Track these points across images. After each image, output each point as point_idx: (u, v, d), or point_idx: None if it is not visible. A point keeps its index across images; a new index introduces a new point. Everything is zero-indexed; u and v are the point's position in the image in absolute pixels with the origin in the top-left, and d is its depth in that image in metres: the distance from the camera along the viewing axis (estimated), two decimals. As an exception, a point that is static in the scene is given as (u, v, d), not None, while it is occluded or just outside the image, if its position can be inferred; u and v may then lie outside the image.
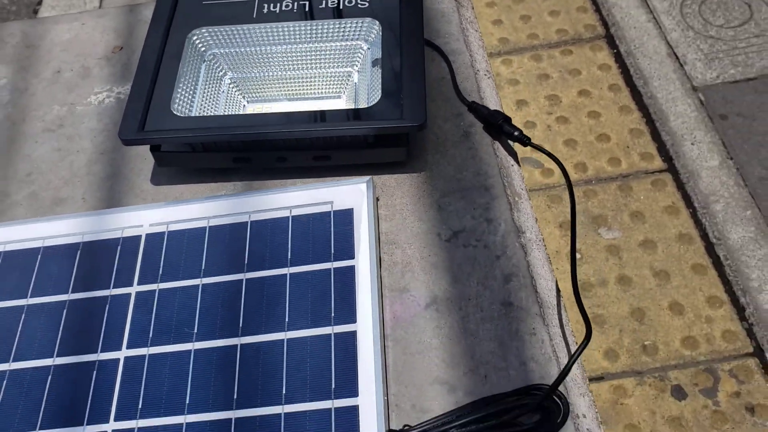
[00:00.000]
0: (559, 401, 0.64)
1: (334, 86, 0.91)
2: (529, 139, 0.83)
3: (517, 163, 0.86)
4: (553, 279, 0.76)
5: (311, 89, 0.91)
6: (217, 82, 0.89)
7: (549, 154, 0.82)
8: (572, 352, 0.69)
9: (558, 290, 0.75)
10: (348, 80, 0.90)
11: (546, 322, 0.71)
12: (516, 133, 0.83)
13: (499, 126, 0.84)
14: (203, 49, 0.88)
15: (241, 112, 0.90)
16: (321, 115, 0.78)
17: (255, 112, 0.88)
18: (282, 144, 0.80)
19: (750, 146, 1.64)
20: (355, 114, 0.78)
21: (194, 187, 0.85)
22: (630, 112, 1.69)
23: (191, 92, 0.84)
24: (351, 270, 0.72)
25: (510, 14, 1.87)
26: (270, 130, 0.76)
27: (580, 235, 1.49)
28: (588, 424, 0.65)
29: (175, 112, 0.80)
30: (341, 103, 0.91)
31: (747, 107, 1.57)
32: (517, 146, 0.86)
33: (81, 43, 1.02)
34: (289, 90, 0.91)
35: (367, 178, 0.78)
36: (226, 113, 0.87)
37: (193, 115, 0.83)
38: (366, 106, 0.81)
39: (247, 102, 0.92)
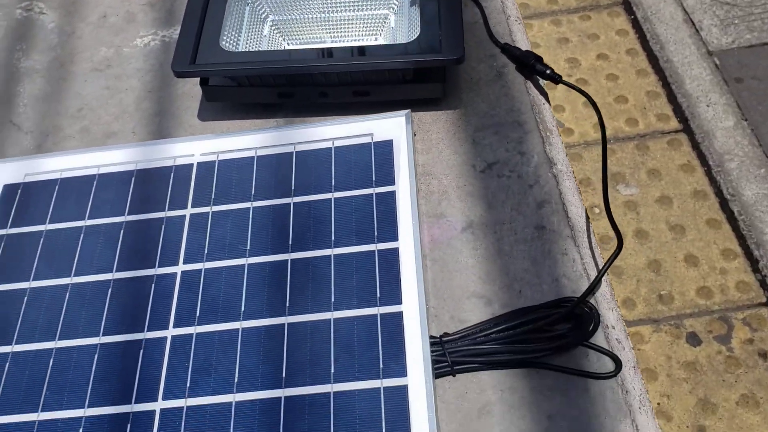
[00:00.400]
0: (589, 311, 0.68)
1: (372, 28, 0.95)
2: (560, 76, 0.87)
3: (548, 101, 0.90)
4: (583, 207, 0.80)
5: (349, 31, 0.95)
6: (260, 24, 0.93)
7: (580, 91, 0.86)
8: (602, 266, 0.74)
9: (587, 217, 0.79)
10: (384, 22, 0.94)
11: (577, 243, 0.75)
12: (548, 71, 0.87)
13: (531, 65, 0.88)
14: (247, -8, 0.93)
15: (281, 54, 0.94)
16: (361, 50, 0.82)
17: (298, 48, 0.92)
18: (323, 79, 0.84)
19: (765, 108, 1.68)
20: (394, 49, 0.82)
21: (240, 122, 0.89)
22: (647, 75, 1.72)
23: (237, 31, 0.89)
24: (392, 194, 0.76)
25: (529, -20, 1.87)
26: (313, 64, 0.80)
27: (599, 192, 1.53)
28: (617, 335, 0.70)
29: (223, 47, 0.84)
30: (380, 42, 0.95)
31: (762, 71, 1.60)
32: (548, 87, 0.90)
33: (125, -10, 1.06)
34: (328, 32, 0.95)
35: (406, 111, 0.83)
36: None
37: (240, 50, 0.87)
38: (405, 42, 0.85)
39: (288, 44, 0.96)
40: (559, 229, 0.76)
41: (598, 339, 0.69)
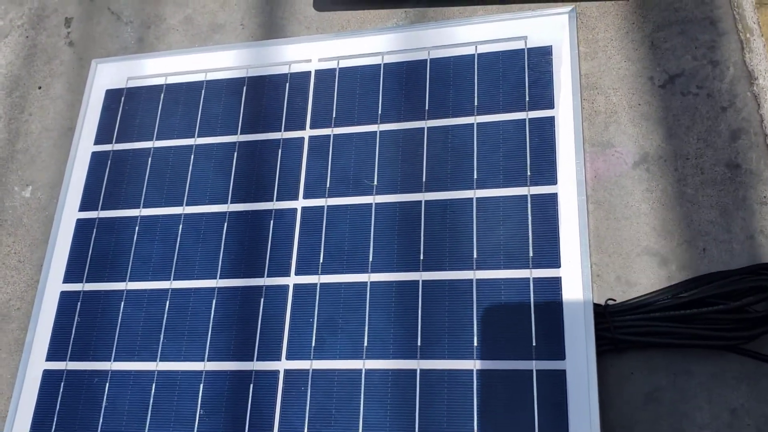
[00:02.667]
0: (798, 287, 0.55)
1: None
2: (774, -42, 0.67)
3: (750, -12, 0.71)
4: (790, 137, 0.64)
5: None
6: None
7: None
8: (810, 227, 0.59)
9: (796, 151, 0.63)
10: None
11: (782, 190, 0.60)
12: (758, -49, 0.67)
13: (734, -60, 0.68)
14: None
15: None
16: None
17: None
18: (468, -35, 0.68)
19: None
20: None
21: (362, 13, 0.75)
22: None
23: None
24: (550, 122, 0.63)
25: None
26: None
27: None
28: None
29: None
30: None
31: None
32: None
33: None
34: None
35: (570, 6, 0.66)
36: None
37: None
38: None
39: None
40: (757, 170, 0.61)
41: (804, 320, 0.56)
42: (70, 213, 0.70)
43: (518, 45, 0.66)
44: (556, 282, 0.57)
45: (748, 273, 0.57)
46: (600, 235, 0.61)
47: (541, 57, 0.65)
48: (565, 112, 0.62)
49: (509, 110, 0.64)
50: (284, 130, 0.69)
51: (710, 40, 0.66)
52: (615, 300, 0.58)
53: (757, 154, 0.62)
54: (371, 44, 0.70)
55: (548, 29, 0.66)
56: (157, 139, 0.71)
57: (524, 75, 0.65)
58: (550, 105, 0.63)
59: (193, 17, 0.80)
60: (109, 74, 0.76)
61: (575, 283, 0.57)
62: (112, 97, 0.75)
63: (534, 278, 0.58)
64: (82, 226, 0.69)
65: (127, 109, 0.74)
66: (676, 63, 0.66)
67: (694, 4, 0.68)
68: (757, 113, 0.63)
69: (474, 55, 0.67)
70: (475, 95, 0.65)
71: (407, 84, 0.67)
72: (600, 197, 0.63)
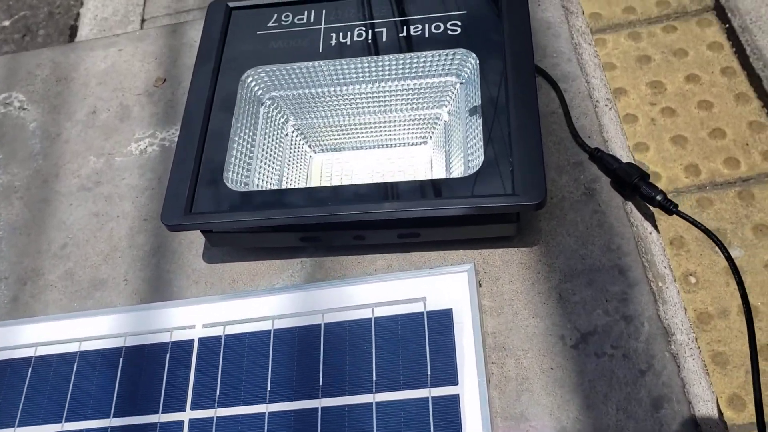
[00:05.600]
0: None
1: (419, 131, 0.74)
2: (675, 206, 0.65)
3: (656, 229, 0.68)
4: (714, 398, 0.59)
5: (391, 135, 0.75)
6: (277, 130, 0.74)
7: (705, 230, 0.64)
8: None
9: (723, 421, 0.58)
10: (435, 124, 0.73)
11: (714, 472, 0.54)
12: (658, 198, 0.65)
13: (634, 186, 0.66)
14: (260, 92, 0.73)
15: (306, 166, 0.75)
16: (408, 188, 0.62)
17: (323, 185, 0.72)
18: (359, 222, 0.64)
19: None
20: (450, 186, 0.61)
21: (254, 265, 0.70)
22: (748, 102, 1.43)
23: (248, 150, 0.69)
24: (455, 400, 0.56)
25: (602, -17, 1.59)
26: (343, 211, 0.60)
27: (695, 254, 1.27)
28: None
29: (228, 184, 0.64)
30: (428, 151, 0.74)
31: None
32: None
33: (119, 74, 0.88)
34: (364, 136, 0.75)
35: (468, 265, 0.62)
36: (287, 183, 0.72)
37: (250, 185, 0.67)
38: (463, 172, 0.64)
39: (314, 152, 0.76)
40: (687, 447, 0.55)
41: None
42: None
43: (417, 308, 0.61)
44: None
45: None
46: None
47: (441, 322, 0.60)
48: (470, 388, 0.56)
49: (411, 386, 0.58)
50: (162, 412, 0.61)
51: (621, 291, 0.63)
52: None
53: (683, 427, 0.56)
54: (261, 307, 0.64)
55: (447, 289, 0.61)
56: (20, 425, 0.62)
57: (424, 343, 0.59)
58: (455, 380, 0.57)
59: (74, 271, 0.73)
60: (-28, 345, 0.68)
61: None
62: (-27, 372, 0.66)
63: None
64: None
65: (-12, 387, 0.65)
66: (587, 319, 0.62)
67: (600, 251, 0.65)
68: (677, 376, 0.58)
69: (371, 318, 0.62)
70: (374, 369, 0.59)
71: (300, 354, 0.61)
72: (517, 484, 0.56)
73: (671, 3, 1.57)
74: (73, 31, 1.46)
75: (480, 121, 0.64)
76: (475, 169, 0.61)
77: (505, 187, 0.59)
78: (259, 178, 0.69)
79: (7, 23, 1.63)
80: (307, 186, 0.73)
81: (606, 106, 0.76)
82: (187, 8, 1.35)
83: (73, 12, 1.58)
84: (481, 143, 0.62)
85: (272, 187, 0.70)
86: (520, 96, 0.63)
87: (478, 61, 0.67)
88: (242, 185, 0.67)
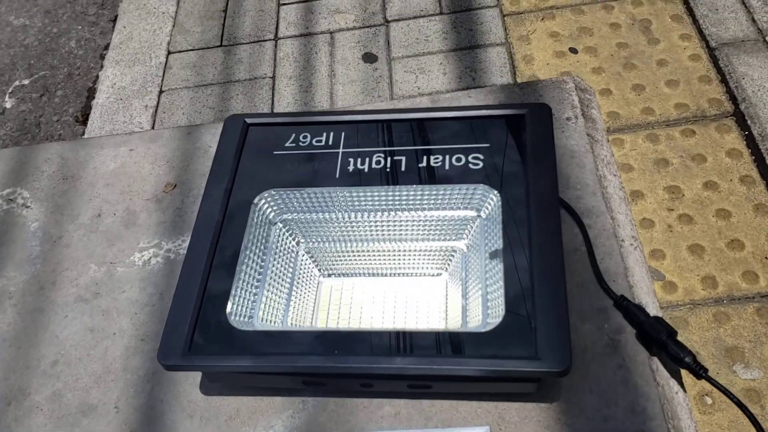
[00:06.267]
0: None
1: (435, 262, 0.71)
2: (705, 370, 0.61)
3: (683, 388, 0.64)
4: None
5: (406, 264, 0.71)
6: (288, 253, 0.70)
7: (737, 402, 0.60)
8: None
9: None
10: (452, 256, 0.70)
11: None
12: (687, 360, 0.61)
13: (661, 342, 0.62)
14: (272, 214, 0.70)
15: (315, 291, 0.71)
16: (422, 343, 0.58)
17: (331, 329, 0.68)
18: (368, 375, 0.60)
19: None
20: (467, 342, 0.57)
21: (253, 402, 0.66)
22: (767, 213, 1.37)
23: (256, 274, 0.65)
24: None
25: (620, 83, 1.60)
26: (352, 363, 0.56)
27: (725, 415, 1.20)
28: None
29: (232, 319, 0.61)
30: (442, 283, 0.70)
31: None
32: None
33: (128, 175, 0.85)
34: (377, 263, 0.72)
35: (484, 429, 0.58)
36: (295, 309, 0.68)
37: (255, 317, 0.64)
38: (481, 321, 0.60)
39: (324, 276, 0.73)
40: None
41: None
42: None
43: (426, 470, 0.57)
44: None
45: None
46: None
47: (453, 491, 0.55)
48: None
49: None
50: None
51: (645, 462, 0.58)
52: None
53: None
54: (258, 456, 0.60)
55: (460, 453, 0.57)
56: None
57: None
58: None
59: (62, 393, 0.69)
60: (-54, 474, 0.63)
61: None
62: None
63: None
64: None
65: None
66: (608, 492, 0.57)
67: (624, 413, 0.61)
68: None
69: (376, 478, 0.57)
70: None
71: None
72: None
73: (690, 106, 1.55)
74: (91, 93, 1.45)
75: (501, 267, 0.60)
76: (494, 323, 0.57)
77: (527, 348, 0.55)
78: (264, 309, 0.65)
79: (26, 82, 1.63)
80: (313, 326, 0.69)
81: (631, 245, 0.72)
82: (206, 82, 1.35)
83: (93, 74, 1.58)
84: (502, 295, 0.59)
85: (279, 315, 0.67)
86: (543, 248, 0.60)
87: (499, 199, 0.64)
88: (246, 317, 0.63)
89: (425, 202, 0.68)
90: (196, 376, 0.68)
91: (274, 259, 0.68)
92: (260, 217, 0.69)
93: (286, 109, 1.25)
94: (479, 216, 0.67)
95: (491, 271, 0.62)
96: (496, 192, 0.65)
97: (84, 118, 1.45)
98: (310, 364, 0.57)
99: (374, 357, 0.56)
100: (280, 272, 0.69)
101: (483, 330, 0.58)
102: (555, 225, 0.61)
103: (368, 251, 0.71)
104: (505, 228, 0.62)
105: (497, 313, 0.58)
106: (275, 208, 0.69)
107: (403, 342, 0.57)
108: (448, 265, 0.71)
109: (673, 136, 1.59)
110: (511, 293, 0.58)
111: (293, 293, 0.69)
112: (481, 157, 0.67)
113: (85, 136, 1.32)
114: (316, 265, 0.72)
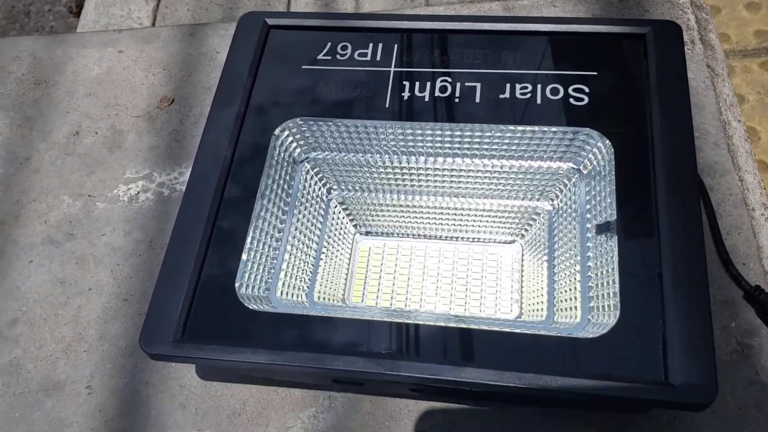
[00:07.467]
0: None
1: (507, 226, 0.54)
2: None
3: (832, 416, 0.49)
4: None
5: (467, 226, 0.55)
6: (316, 202, 0.54)
7: None
8: None
9: None
10: (532, 220, 0.53)
11: None
12: None
13: (814, 359, 0.46)
14: (298, 151, 0.53)
15: (349, 254, 0.55)
16: (492, 347, 0.42)
17: (373, 319, 0.50)
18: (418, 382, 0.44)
19: None
20: (561, 350, 0.41)
21: (264, 393, 0.51)
22: None
23: (275, 232, 0.49)
24: None
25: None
26: (398, 371, 0.41)
27: None
28: None
29: (242, 298, 0.45)
30: (515, 255, 0.54)
31: None
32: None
33: (115, 84, 0.68)
34: (429, 223, 0.55)
35: (579, 466, 0.43)
36: (324, 278, 0.52)
37: (272, 299, 0.47)
38: (580, 322, 0.44)
39: (361, 234, 0.56)
40: None
41: None
42: None
43: None
44: None
45: None
46: None
47: None
48: None
49: None
50: None
51: None
52: None
53: None
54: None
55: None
56: None
57: None
58: None
59: (21, 363, 0.54)
60: None
61: None
62: None
63: None
64: None
65: None
66: None
67: (758, 449, 0.45)
68: None
69: None
70: None
71: None
72: None
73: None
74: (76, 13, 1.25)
75: (615, 247, 0.44)
76: (602, 324, 0.41)
77: (652, 367, 0.39)
78: (285, 279, 0.49)
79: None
80: (347, 303, 0.53)
81: (763, 215, 0.55)
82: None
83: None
84: (615, 287, 0.42)
85: (304, 286, 0.51)
86: (679, 222, 0.43)
87: (611, 150, 0.47)
88: (262, 290, 0.47)
89: (504, 147, 0.50)
90: (192, 355, 0.53)
91: (299, 211, 0.52)
92: (282, 154, 0.51)
93: (303, 9, 1.02)
94: (579, 170, 0.50)
95: (597, 249, 0.46)
96: (606, 141, 0.47)
97: (78, 9, 1.24)
98: (349, 368, 0.41)
99: (439, 366, 0.40)
100: (306, 228, 0.52)
101: (589, 336, 0.41)
102: (692, 195, 0.44)
103: (419, 207, 0.55)
104: (618, 191, 0.45)
105: (606, 312, 0.42)
106: (302, 142, 0.52)
107: (468, 344, 0.41)
108: (526, 230, 0.54)
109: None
110: (629, 287, 0.42)
111: (322, 256, 0.53)
112: (586, 90, 0.49)
113: (78, 30, 1.12)
114: (352, 220, 0.56)
